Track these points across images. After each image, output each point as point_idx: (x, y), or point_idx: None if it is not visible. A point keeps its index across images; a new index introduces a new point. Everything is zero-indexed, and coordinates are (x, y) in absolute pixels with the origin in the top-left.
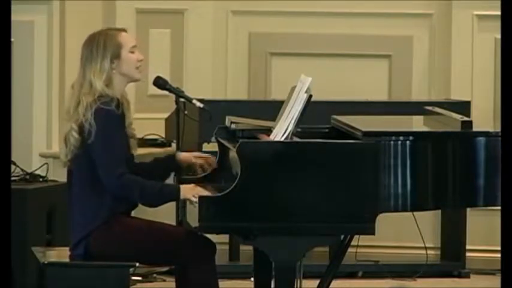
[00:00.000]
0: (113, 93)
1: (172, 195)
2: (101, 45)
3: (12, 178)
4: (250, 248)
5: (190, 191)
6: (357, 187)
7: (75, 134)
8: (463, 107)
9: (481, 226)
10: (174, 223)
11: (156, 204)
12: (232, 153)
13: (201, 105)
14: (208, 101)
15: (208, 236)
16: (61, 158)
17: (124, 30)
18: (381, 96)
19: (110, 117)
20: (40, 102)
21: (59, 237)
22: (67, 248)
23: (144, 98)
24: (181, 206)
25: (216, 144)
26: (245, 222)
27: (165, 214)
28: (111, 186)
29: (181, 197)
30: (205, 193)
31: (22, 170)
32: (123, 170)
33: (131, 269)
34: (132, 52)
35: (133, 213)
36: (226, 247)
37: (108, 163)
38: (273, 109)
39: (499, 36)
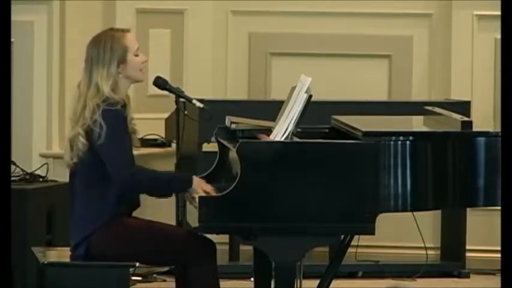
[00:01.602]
0: (119, 97)
1: (186, 184)
2: (108, 48)
3: (12, 178)
4: (250, 248)
5: (201, 185)
6: (357, 187)
7: (83, 140)
8: (463, 107)
9: (481, 226)
10: (174, 223)
11: (169, 195)
12: (232, 153)
13: (201, 105)
14: (208, 101)
15: (208, 236)
16: (65, 160)
17: (128, 30)
18: (381, 96)
19: (118, 117)
20: (40, 102)
21: (59, 237)
22: (67, 248)
23: (144, 98)
24: (181, 206)
25: (216, 144)
26: (245, 222)
27: (165, 214)
28: (124, 182)
29: (193, 186)
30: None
31: (22, 170)
32: (134, 166)
33: (131, 269)
34: (137, 55)
35: (132, 214)
36: (226, 247)
37: (120, 161)
38: (273, 109)
39: (499, 36)
